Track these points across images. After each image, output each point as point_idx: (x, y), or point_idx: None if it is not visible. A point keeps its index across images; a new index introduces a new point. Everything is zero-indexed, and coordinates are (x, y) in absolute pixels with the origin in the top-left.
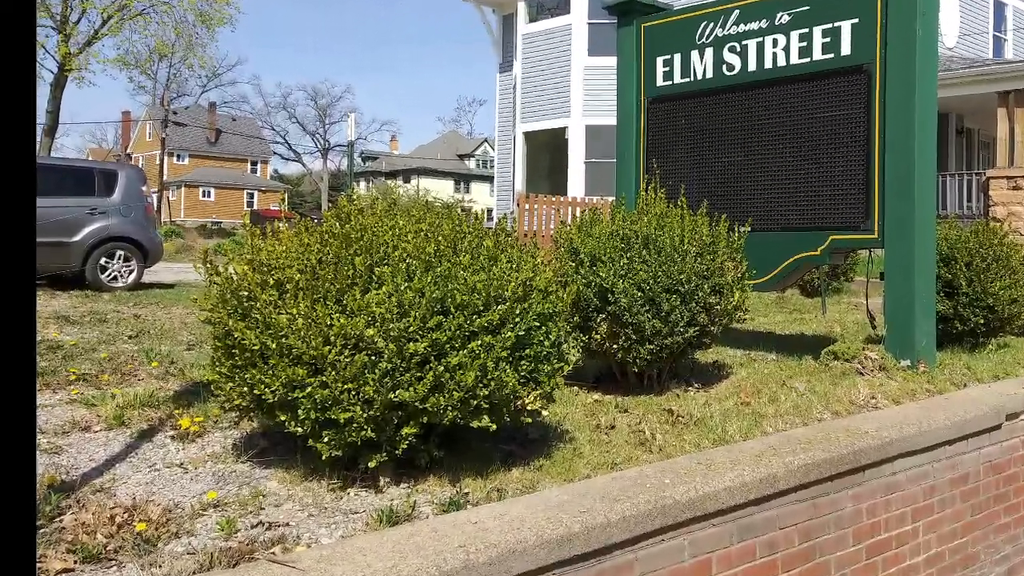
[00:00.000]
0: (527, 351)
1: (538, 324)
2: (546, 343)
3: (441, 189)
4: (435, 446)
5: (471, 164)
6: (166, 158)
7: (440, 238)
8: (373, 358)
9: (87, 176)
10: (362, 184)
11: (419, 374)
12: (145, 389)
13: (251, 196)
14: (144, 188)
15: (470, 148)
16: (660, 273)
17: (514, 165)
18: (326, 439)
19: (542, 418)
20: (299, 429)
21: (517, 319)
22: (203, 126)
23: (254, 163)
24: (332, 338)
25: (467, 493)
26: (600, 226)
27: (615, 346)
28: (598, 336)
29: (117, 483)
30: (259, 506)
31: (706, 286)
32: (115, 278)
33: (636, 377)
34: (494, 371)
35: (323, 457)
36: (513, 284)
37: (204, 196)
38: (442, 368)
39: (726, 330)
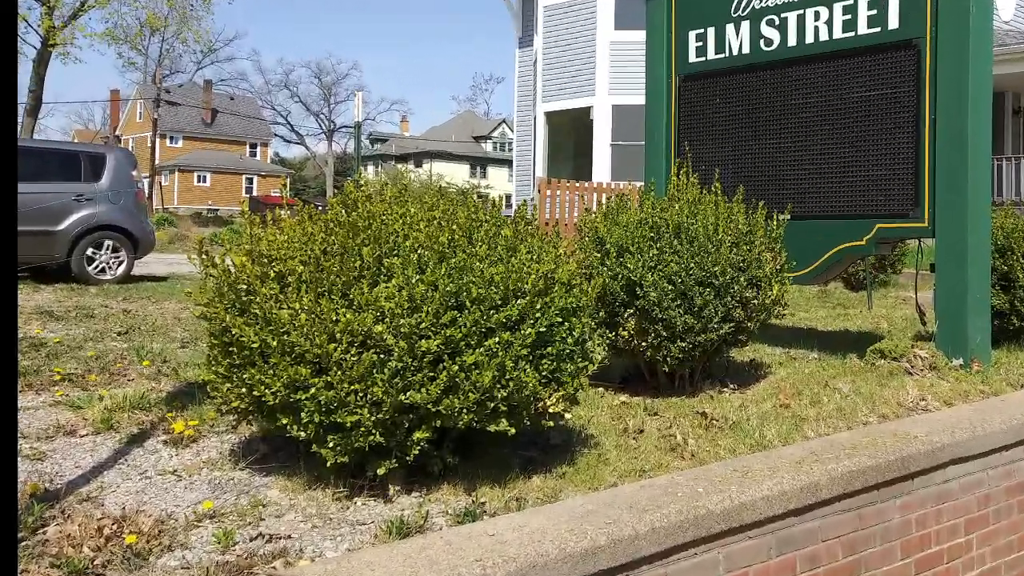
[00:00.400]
0: (549, 349)
1: (560, 320)
2: (569, 340)
3: (455, 174)
4: (449, 452)
5: (488, 147)
6: (158, 140)
7: (454, 227)
8: (382, 357)
9: (73, 160)
10: (370, 168)
11: (432, 374)
12: (135, 390)
13: (250, 181)
14: (134, 173)
15: (487, 130)
16: (692, 265)
17: (534, 148)
18: (331, 444)
19: (565, 422)
20: (302, 433)
21: (538, 314)
22: (198, 106)
23: (253, 146)
24: (338, 335)
25: (484, 503)
26: (628, 214)
27: (644, 343)
28: (625, 333)
29: (105, 492)
30: (259, 517)
31: (742, 279)
32: (103, 270)
33: (666, 377)
34: (513, 371)
35: (328, 464)
36: (533, 277)
37: (199, 181)
38: (457, 367)
39: (764, 326)
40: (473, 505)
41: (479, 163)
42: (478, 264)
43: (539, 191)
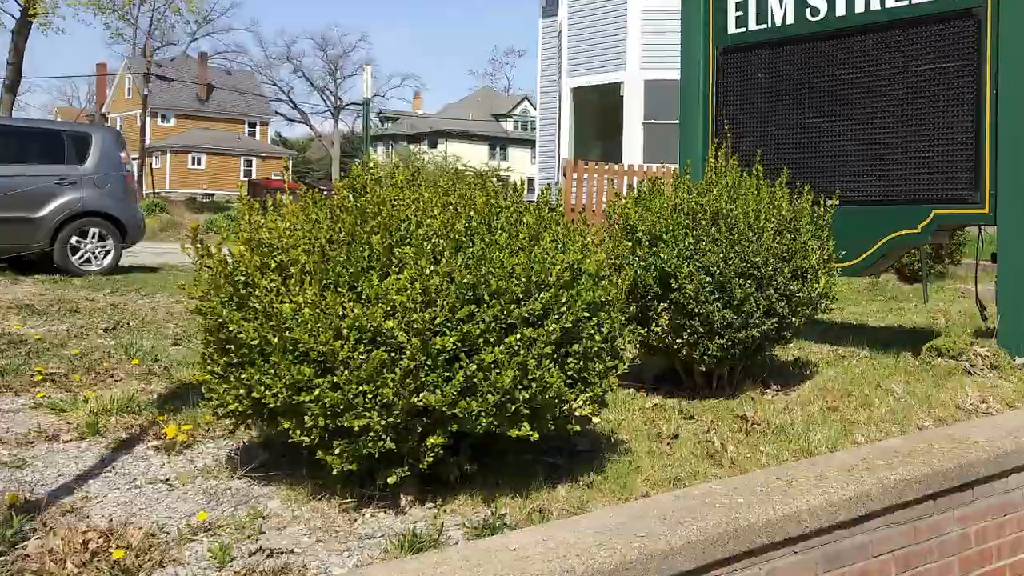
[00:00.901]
0: (575, 347)
1: (588, 315)
2: (597, 337)
3: (473, 155)
4: (466, 459)
5: (508, 126)
6: (148, 119)
7: (472, 213)
8: (393, 355)
9: (55, 140)
10: (380, 149)
11: (447, 374)
12: (123, 391)
13: (249, 164)
14: (123, 154)
15: (507, 107)
16: (732, 254)
17: (559, 127)
18: (337, 450)
19: (592, 426)
20: (305, 439)
21: (563, 309)
22: (192, 81)
23: (252, 125)
24: (345, 331)
25: (504, 514)
26: (661, 199)
27: (679, 341)
28: (659, 329)
29: (91, 503)
30: (258, 530)
31: (786, 270)
32: (88, 261)
33: (703, 378)
34: (536, 370)
35: (334, 472)
36: (558, 267)
37: (193, 164)
38: (474, 367)
39: (810, 322)
40: (492, 517)
41: (499, 143)
42: (498, 254)
43: (564, 174)
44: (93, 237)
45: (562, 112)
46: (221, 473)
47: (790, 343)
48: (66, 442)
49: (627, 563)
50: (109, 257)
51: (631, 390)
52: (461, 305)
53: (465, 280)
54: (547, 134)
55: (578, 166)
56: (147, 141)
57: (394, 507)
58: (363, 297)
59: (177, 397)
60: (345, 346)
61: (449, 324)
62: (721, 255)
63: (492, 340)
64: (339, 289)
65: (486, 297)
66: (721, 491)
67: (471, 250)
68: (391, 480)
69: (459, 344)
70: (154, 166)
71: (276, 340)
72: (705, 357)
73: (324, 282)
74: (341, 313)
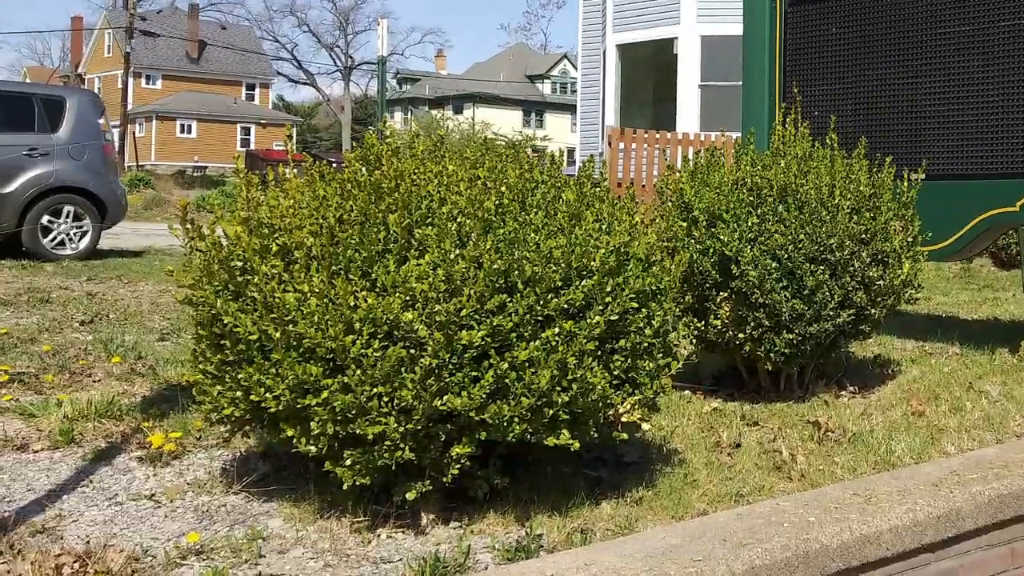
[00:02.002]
0: (621, 343)
1: (636, 306)
2: (647, 331)
3: (505, 122)
4: (496, 471)
5: (545, 88)
6: (131, 80)
7: (504, 189)
8: (412, 352)
9: (23, 105)
10: (397, 116)
11: (475, 374)
12: (103, 394)
13: (246, 132)
14: (101, 121)
15: (544, 67)
16: (802, 236)
17: (603, 90)
18: (348, 462)
19: (642, 433)
20: (312, 448)
21: (608, 299)
22: (181, 37)
23: (251, 87)
24: (357, 324)
25: (540, 535)
26: (721, 172)
27: (741, 335)
28: (718, 322)
29: (65, 521)
30: (257, 553)
31: (864, 254)
32: (62, 243)
33: (769, 378)
34: (577, 369)
35: (344, 486)
36: (603, 251)
37: (183, 132)
38: (506, 365)
39: (892, 313)
40: (527, 538)
41: (534, 109)
42: (533, 235)
43: (609, 144)
44: (68, 216)
45: (607, 73)
46: (215, 488)
47: (869, 338)
48: (36, 452)
49: None
50: (86, 239)
51: (686, 392)
52: (491, 295)
53: (495, 266)
54: (589, 98)
55: (625, 135)
56: (130, 106)
57: (414, 527)
58: (378, 285)
59: (164, 400)
60: (357, 341)
61: (477, 316)
62: (790, 237)
63: (526, 335)
64: (350, 276)
65: (519, 285)
66: (790, 508)
67: (502, 231)
68: (410, 496)
69: (488, 339)
70: (137, 134)
71: (278, 335)
72: (771, 354)
73: (333, 268)
74: (353, 304)
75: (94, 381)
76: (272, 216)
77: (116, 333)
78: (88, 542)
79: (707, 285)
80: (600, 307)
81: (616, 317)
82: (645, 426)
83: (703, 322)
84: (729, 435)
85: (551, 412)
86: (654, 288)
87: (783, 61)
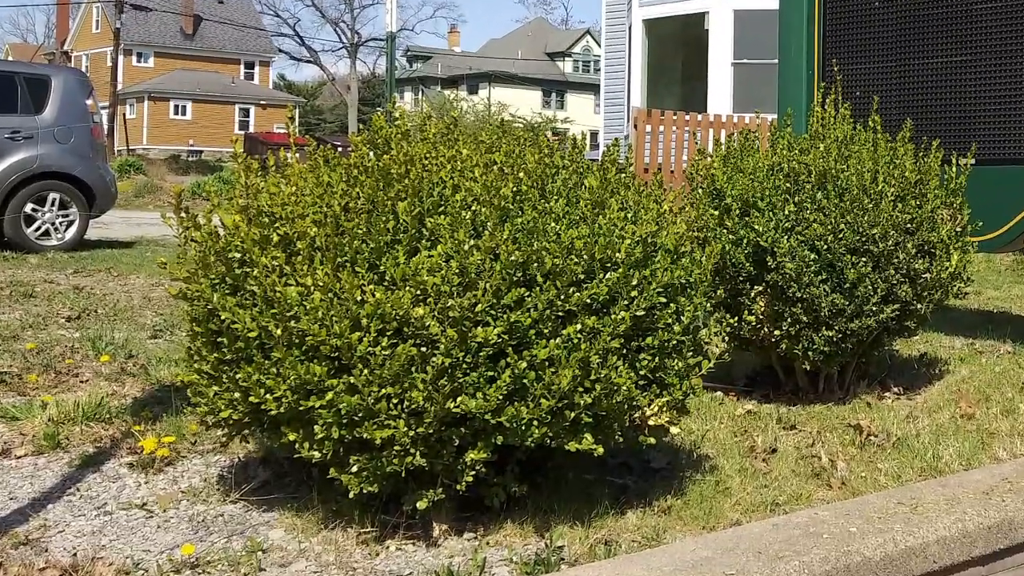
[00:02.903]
0: (648, 340)
1: (664, 300)
2: (676, 328)
3: (523, 102)
4: (514, 479)
5: (566, 67)
6: (121, 58)
7: (522, 175)
8: (424, 350)
9: (6, 85)
10: (407, 96)
11: (490, 373)
12: (91, 395)
13: (245, 114)
14: (89, 102)
15: (565, 44)
16: (843, 226)
17: (629, 69)
18: (355, 468)
19: (670, 437)
20: (316, 453)
21: (634, 293)
22: (175, 11)
23: (250, 66)
24: (364, 321)
25: (560, 547)
26: (755, 157)
27: (777, 332)
28: (752, 318)
29: (50, 532)
30: (257, 566)
31: (910, 244)
32: (47, 234)
33: (807, 378)
34: (600, 369)
35: (351, 494)
36: (628, 242)
37: (177, 113)
38: (524, 364)
39: (939, 308)
40: (546, 550)
41: (555, 88)
42: (553, 225)
43: (635, 126)
44: (53, 204)
45: (632, 50)
46: (211, 496)
47: (914, 335)
48: (19, 457)
49: None
50: (73, 229)
51: (718, 393)
52: (508, 288)
53: (513, 257)
54: (614, 78)
55: (652, 117)
56: (120, 85)
57: (425, 538)
58: (387, 279)
59: (157, 402)
60: (364, 339)
61: (493, 312)
62: (829, 227)
63: (546, 332)
64: (357, 269)
65: (539, 279)
66: (829, 518)
67: (520, 220)
68: (421, 505)
69: (505, 337)
70: (128, 116)
71: (279, 331)
72: (809, 352)
73: (339, 260)
74: (360, 298)
75: (81, 381)
76: (273, 204)
77: (105, 330)
78: (75, 554)
79: (740, 278)
80: (625, 302)
81: (643, 313)
82: (674, 429)
83: (736, 318)
84: (764, 439)
85: (573, 415)
86: (683, 281)
87: (822, 37)
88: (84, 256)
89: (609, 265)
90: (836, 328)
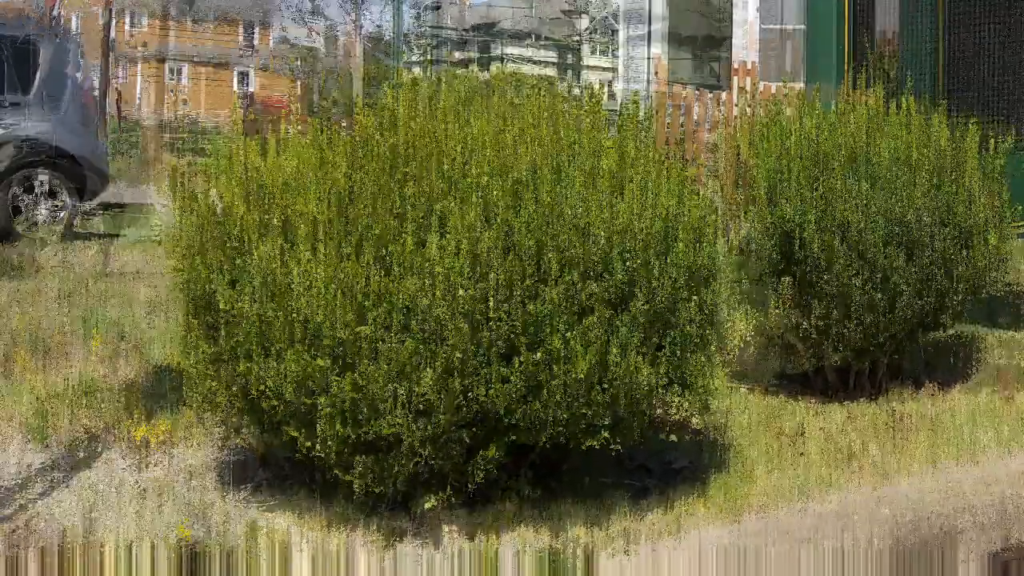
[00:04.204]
0: (669, 333)
1: (687, 289)
2: (698, 318)
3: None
4: (527, 482)
5: (583, 26)
6: (114, 21)
7: (537, 147)
8: (432, 344)
9: None
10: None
11: (504, 370)
12: (81, 377)
13: (244, 79)
14: (80, 70)
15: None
16: (874, 210)
17: (649, 29)
18: (359, 468)
19: (691, 437)
20: (319, 452)
21: (655, 283)
22: None
23: (249, 26)
24: (369, 311)
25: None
26: (781, 131)
27: (805, 325)
28: (779, 309)
29: (38, 516)
30: (257, 553)
31: (946, 230)
32: (35, 224)
33: (837, 374)
34: (619, 364)
35: (355, 495)
36: (648, 221)
37: (173, 78)
38: (539, 358)
39: (978, 299)
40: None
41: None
42: (570, 211)
43: (656, 73)
44: (41, 188)
45: (653, 9)
46: (208, 492)
47: (950, 328)
48: (3, 443)
49: None
50: (63, 214)
51: (743, 389)
52: (522, 279)
53: (528, 243)
54: (634, 39)
55: (674, 89)
56: (112, 50)
57: (434, 541)
58: (394, 266)
59: (150, 385)
60: (369, 331)
61: (507, 305)
62: (859, 211)
63: (561, 325)
64: (361, 257)
65: (554, 267)
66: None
67: (533, 208)
68: (428, 504)
69: (519, 329)
70: (120, 81)
71: (280, 320)
72: (839, 346)
73: (343, 250)
74: (365, 288)
75: (71, 364)
76: (273, 183)
77: (96, 307)
78: (64, 536)
79: (767, 270)
80: (646, 292)
81: (664, 305)
82: (695, 422)
83: (762, 311)
84: (791, 427)
85: (590, 412)
86: (706, 269)
87: (852, 2)
88: (78, 245)
89: (628, 253)
90: (867, 321)
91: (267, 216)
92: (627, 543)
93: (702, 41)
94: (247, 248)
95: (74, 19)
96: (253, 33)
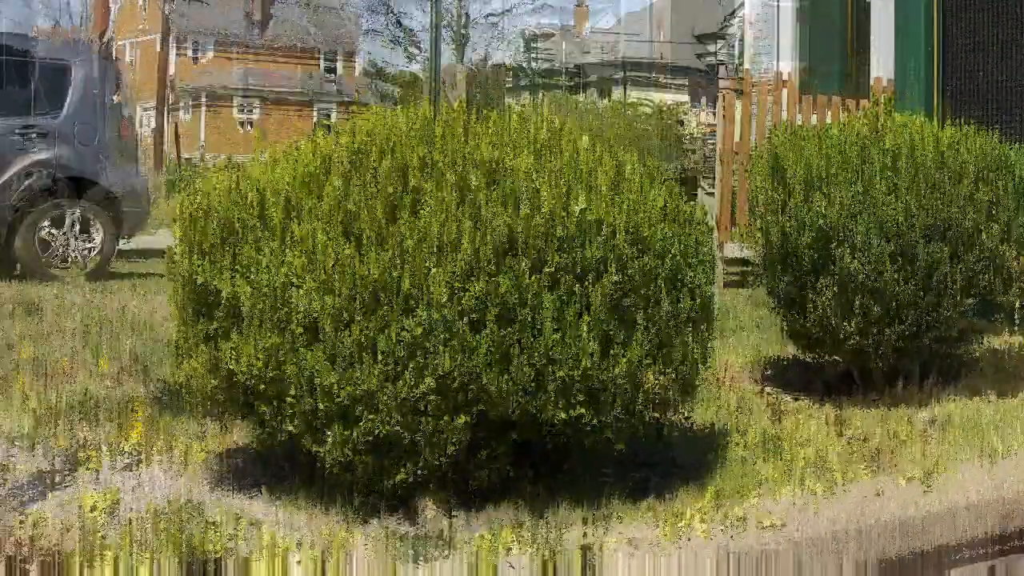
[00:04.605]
0: (648, 311)
1: (665, 269)
2: (686, 300)
3: (663, 97)
4: (528, 480)
5: (719, 54)
6: (174, 51)
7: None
8: (402, 317)
9: (17, 71)
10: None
11: (472, 341)
12: (81, 392)
13: (326, 116)
14: (117, 94)
15: (716, 23)
16: (916, 207)
17: (778, 41)
18: (331, 440)
19: (694, 428)
20: (290, 426)
21: (626, 252)
22: None
23: (331, 57)
24: (337, 284)
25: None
26: (826, 132)
27: (846, 326)
28: (819, 312)
29: (21, 513)
30: (236, 537)
31: (995, 228)
32: (66, 258)
33: (882, 377)
34: (588, 339)
35: (328, 467)
36: (618, 206)
37: (242, 114)
38: (507, 331)
39: None
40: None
41: (706, 79)
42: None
43: (723, 97)
44: (73, 223)
45: (781, 20)
46: (197, 488)
47: (1003, 331)
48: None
49: None
50: (98, 251)
51: (787, 397)
52: (492, 256)
53: (498, 224)
54: (761, 53)
55: (744, 88)
56: (173, 84)
57: (409, 519)
58: (363, 241)
59: (153, 399)
60: (336, 301)
61: (474, 276)
62: (901, 208)
63: (529, 299)
64: (329, 230)
65: (520, 243)
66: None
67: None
68: (400, 477)
69: (488, 300)
70: (181, 120)
71: (249, 291)
72: (881, 348)
73: (314, 222)
74: (333, 261)
75: (74, 383)
76: (262, 179)
77: (114, 342)
78: (51, 534)
79: (804, 268)
80: (617, 265)
81: (638, 281)
82: (684, 411)
83: (800, 315)
84: (819, 441)
85: (555, 385)
86: (692, 253)
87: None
88: (112, 285)
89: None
90: (910, 320)
91: (244, 193)
92: (627, 542)
93: (846, 46)
94: (229, 236)
95: (127, 47)
96: (335, 64)
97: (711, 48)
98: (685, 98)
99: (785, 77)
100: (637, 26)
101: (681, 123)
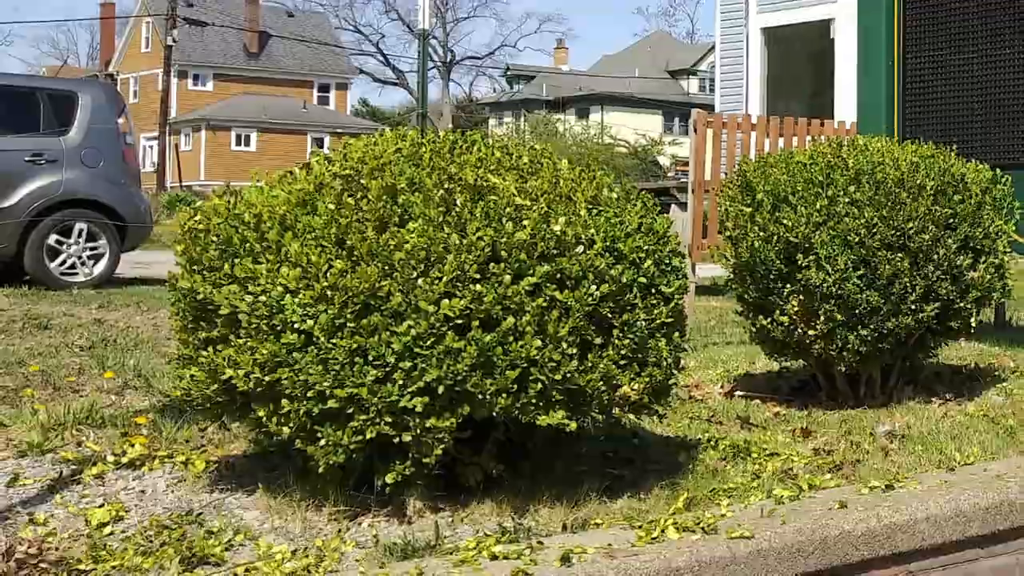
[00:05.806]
0: (626, 317)
1: (639, 276)
2: (661, 306)
3: (641, 126)
4: (492, 457)
5: (691, 86)
6: (175, 81)
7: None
8: (390, 323)
9: (28, 101)
10: (506, 119)
11: (458, 346)
12: (86, 403)
13: (319, 144)
14: (121, 120)
15: (690, 60)
16: (876, 220)
17: (747, 81)
18: (323, 441)
19: (667, 430)
20: (285, 429)
21: (601, 262)
22: (238, 27)
23: (324, 88)
24: (328, 292)
25: (529, 528)
26: (791, 154)
27: (811, 332)
28: (785, 318)
29: (21, 518)
30: (227, 540)
31: (950, 240)
32: (73, 268)
33: (847, 382)
34: (570, 344)
35: (320, 468)
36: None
37: (240, 144)
38: (490, 337)
39: (990, 308)
40: (515, 526)
41: (677, 111)
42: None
43: (695, 130)
44: (79, 237)
45: (750, 62)
46: (196, 493)
47: (960, 337)
48: (2, 460)
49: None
50: (102, 264)
51: (756, 401)
52: (476, 265)
53: (482, 234)
54: (730, 90)
55: (714, 121)
56: (173, 112)
57: (399, 517)
58: (355, 255)
59: (157, 411)
60: (329, 310)
61: (459, 284)
62: (862, 220)
63: (513, 307)
64: (323, 244)
65: (503, 252)
66: (819, 497)
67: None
68: (389, 478)
69: (472, 309)
70: (182, 147)
71: (246, 304)
72: (844, 352)
73: (307, 237)
74: (325, 271)
75: (81, 396)
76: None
77: (118, 357)
78: (46, 525)
79: (771, 277)
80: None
81: (615, 289)
82: (658, 410)
83: (768, 319)
84: (781, 441)
85: (538, 387)
86: (666, 263)
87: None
88: (114, 292)
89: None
90: (872, 326)
91: (239, 212)
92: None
93: (805, 87)
94: (227, 250)
95: (132, 80)
96: (328, 95)
97: (683, 84)
98: (659, 123)
99: (755, 120)
100: (615, 66)
101: (656, 163)
